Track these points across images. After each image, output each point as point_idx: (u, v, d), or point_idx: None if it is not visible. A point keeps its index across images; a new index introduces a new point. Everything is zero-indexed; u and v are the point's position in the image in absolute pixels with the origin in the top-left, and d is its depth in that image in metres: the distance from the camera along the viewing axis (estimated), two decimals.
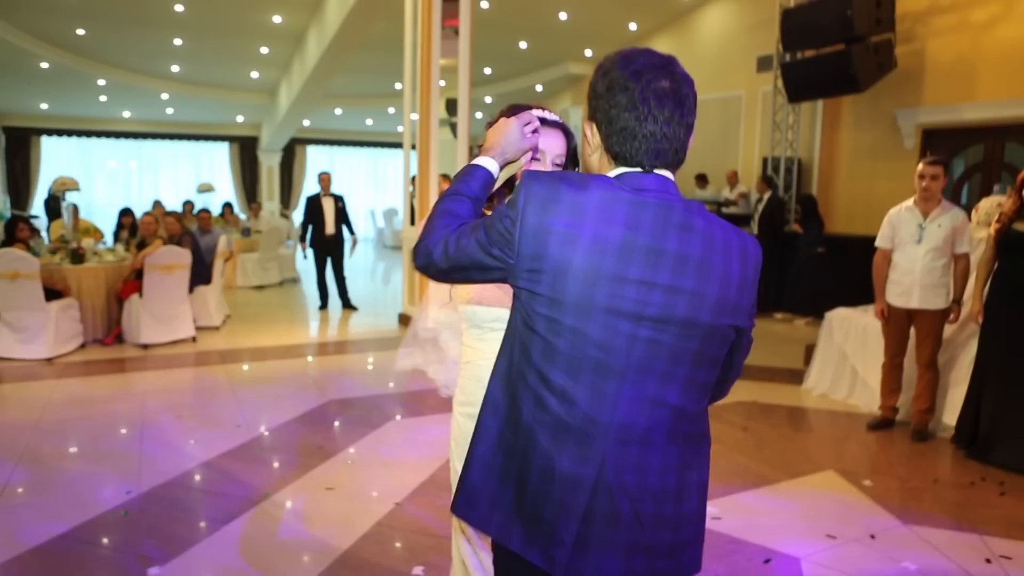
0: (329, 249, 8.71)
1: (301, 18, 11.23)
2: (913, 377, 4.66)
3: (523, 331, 1.26)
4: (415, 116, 7.52)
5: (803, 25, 8.46)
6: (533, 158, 1.68)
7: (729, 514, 3.38)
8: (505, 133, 1.49)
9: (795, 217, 9.03)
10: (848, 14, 7.79)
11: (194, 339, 6.97)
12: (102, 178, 17.73)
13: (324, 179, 8.82)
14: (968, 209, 5.53)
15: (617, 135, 1.24)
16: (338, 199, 8.80)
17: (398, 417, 4.87)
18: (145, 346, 6.59)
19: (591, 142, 1.32)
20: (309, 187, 18.89)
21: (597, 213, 1.19)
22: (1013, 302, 4.11)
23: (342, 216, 8.75)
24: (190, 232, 7.46)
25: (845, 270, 7.99)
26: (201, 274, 7.38)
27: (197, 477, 3.80)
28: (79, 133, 17.13)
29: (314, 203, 8.67)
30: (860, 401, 5.16)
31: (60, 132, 16.92)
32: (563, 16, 11.26)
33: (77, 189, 7.46)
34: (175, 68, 13.84)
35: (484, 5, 10.41)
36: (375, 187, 20.39)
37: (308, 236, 8.68)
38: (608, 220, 1.18)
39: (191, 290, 7.17)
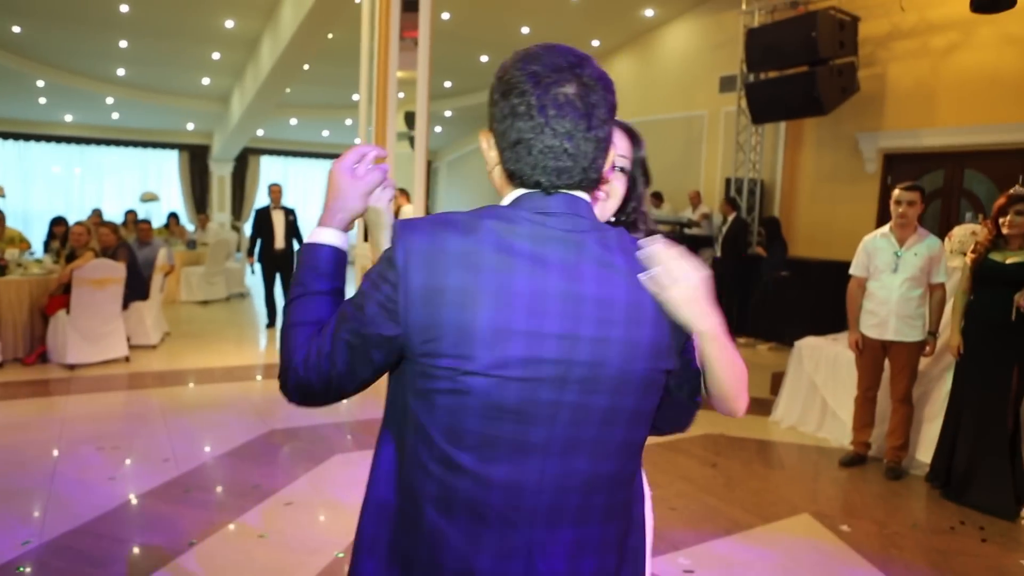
0: (278, 264, 8.33)
1: (255, 24, 10.80)
2: (886, 411, 4.48)
3: (419, 413, 1.00)
4: (370, 128, 7.19)
5: (767, 46, 8.40)
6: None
7: (703, 566, 3.11)
8: (334, 187, 1.16)
9: (758, 240, 8.92)
10: (812, 36, 7.74)
11: (127, 359, 6.48)
12: (41, 184, 16.87)
13: (275, 191, 8.43)
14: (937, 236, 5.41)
15: (511, 149, 1.01)
16: (289, 212, 8.44)
17: (344, 451, 4.50)
18: (72, 366, 6.08)
19: (488, 157, 1.06)
20: (262, 198, 18.30)
21: (495, 259, 0.96)
22: (988, 335, 3.94)
23: (293, 230, 8.40)
24: (126, 244, 6.98)
25: (808, 294, 7.88)
26: (137, 289, 6.90)
27: (112, 522, 3.38)
28: (16, 136, 16.27)
29: (263, 216, 8.29)
30: (830, 435, 4.97)
31: None
32: (525, 31, 11.06)
33: (2, 196, 6.89)
34: (121, 71, 13.23)
35: (445, 16, 10.14)
36: None
37: (256, 250, 8.27)
38: (509, 266, 0.96)
39: (126, 306, 6.68)
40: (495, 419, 0.98)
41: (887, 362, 4.38)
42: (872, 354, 4.37)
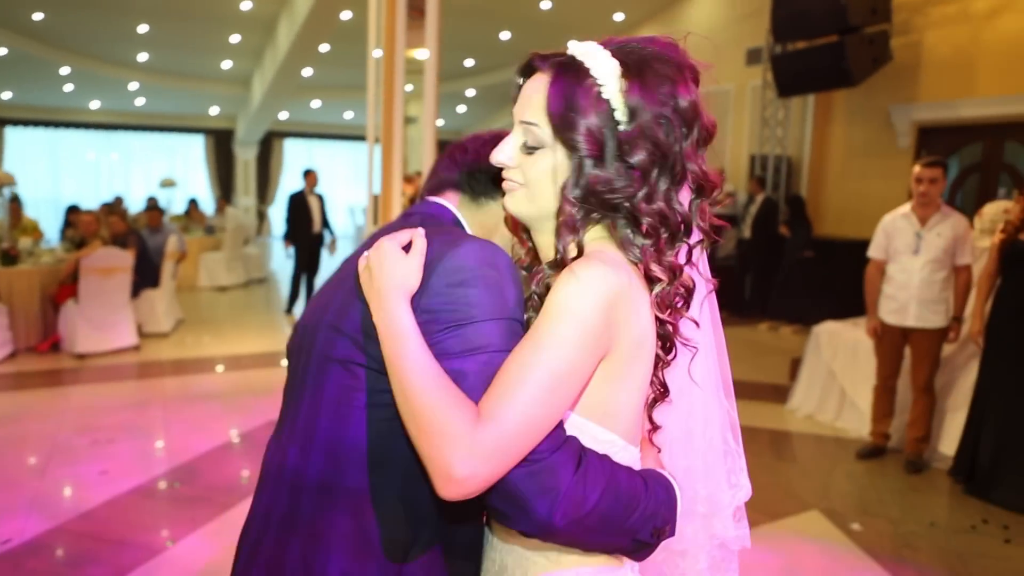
0: (313, 248, 8.41)
1: (270, 5, 10.71)
2: (907, 401, 4.23)
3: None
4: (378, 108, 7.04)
5: (795, 15, 8.00)
6: None
7: None
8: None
9: (783, 219, 8.58)
10: (842, 3, 7.34)
11: (137, 348, 6.48)
12: (71, 171, 17.11)
13: (311, 177, 8.48)
14: (968, 215, 5.09)
15: None
16: (319, 197, 8.51)
17: None
18: (81, 356, 6.10)
19: None
20: (287, 182, 18.34)
21: None
22: (1017, 322, 3.67)
23: (324, 215, 8.48)
24: (136, 232, 6.97)
25: (834, 276, 7.56)
26: (148, 276, 6.89)
27: (96, 520, 3.33)
28: (46, 123, 16.49)
29: (299, 201, 8.33)
30: (848, 424, 4.73)
31: (26, 122, 16.28)
32: (546, 5, 10.78)
33: (13, 184, 6.93)
34: (142, 57, 13.27)
35: None
36: (356, 182, 19.85)
37: (291, 234, 8.35)
38: None
39: (136, 294, 6.68)
40: None
41: (908, 350, 4.13)
42: (892, 341, 4.11)
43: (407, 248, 0.97)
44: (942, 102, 7.73)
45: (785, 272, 8.06)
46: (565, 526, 0.85)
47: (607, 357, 0.92)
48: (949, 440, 4.12)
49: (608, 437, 0.95)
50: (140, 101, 16.07)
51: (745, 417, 1.13)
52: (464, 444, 0.81)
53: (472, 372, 0.88)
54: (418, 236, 0.97)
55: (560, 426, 0.90)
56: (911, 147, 8.09)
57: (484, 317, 0.90)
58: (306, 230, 8.28)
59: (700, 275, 1.05)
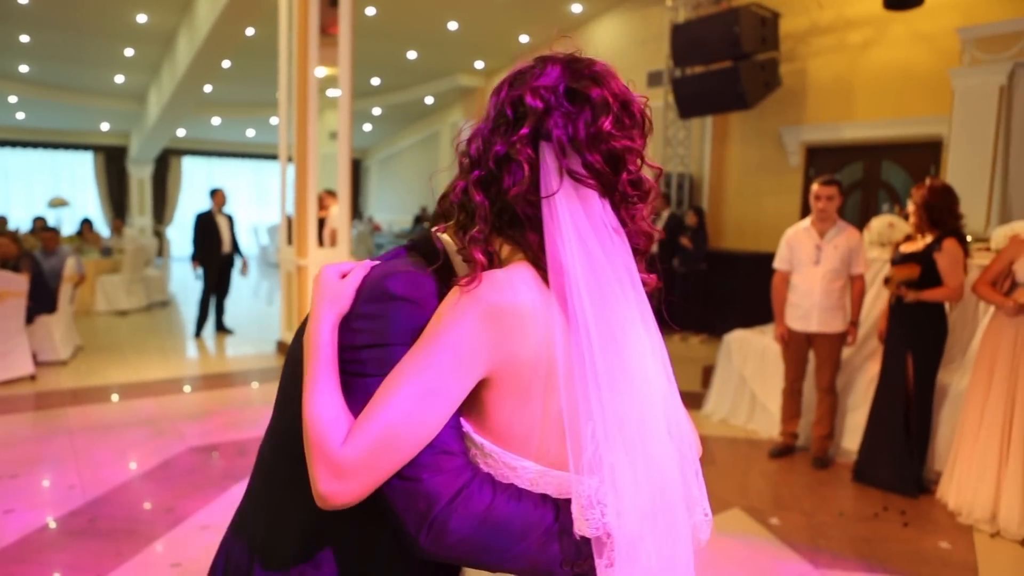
0: (224, 269, 8.23)
1: (169, 18, 10.33)
2: (811, 401, 4.55)
3: None
4: (291, 127, 6.93)
5: (692, 41, 8.47)
6: None
7: None
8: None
9: (688, 231, 8.89)
10: (735, 31, 7.84)
11: (33, 377, 6.08)
12: None
13: (219, 196, 8.31)
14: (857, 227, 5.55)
15: None
16: (228, 217, 8.36)
17: None
18: None
19: None
20: (186, 201, 17.62)
21: None
22: (890, 323, 4.10)
23: (232, 235, 8.34)
24: (29, 254, 6.55)
25: (736, 286, 8.00)
26: (43, 301, 6.48)
27: (6, 561, 3.12)
28: None
29: (208, 221, 8.15)
30: (760, 426, 5.03)
31: None
32: (452, 26, 10.92)
33: None
34: (24, 68, 12.49)
35: (370, 12, 9.90)
36: (258, 201, 19.30)
37: (199, 255, 8.12)
38: None
39: (31, 320, 6.27)
40: None
41: (812, 353, 4.45)
42: (797, 346, 4.43)
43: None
44: (826, 124, 8.36)
45: (685, 283, 8.41)
46: (432, 549, 0.90)
47: (496, 378, 0.93)
48: (850, 436, 4.46)
49: (519, 463, 0.94)
50: (20, 115, 15.08)
51: None
52: (327, 461, 0.88)
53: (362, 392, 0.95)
54: (359, 266, 1.03)
55: (456, 454, 0.93)
56: (801, 165, 8.69)
57: (399, 342, 0.94)
58: (215, 251, 8.11)
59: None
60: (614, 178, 0.97)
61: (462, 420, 0.96)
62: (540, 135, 0.96)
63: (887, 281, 3.98)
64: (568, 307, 0.92)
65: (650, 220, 1.03)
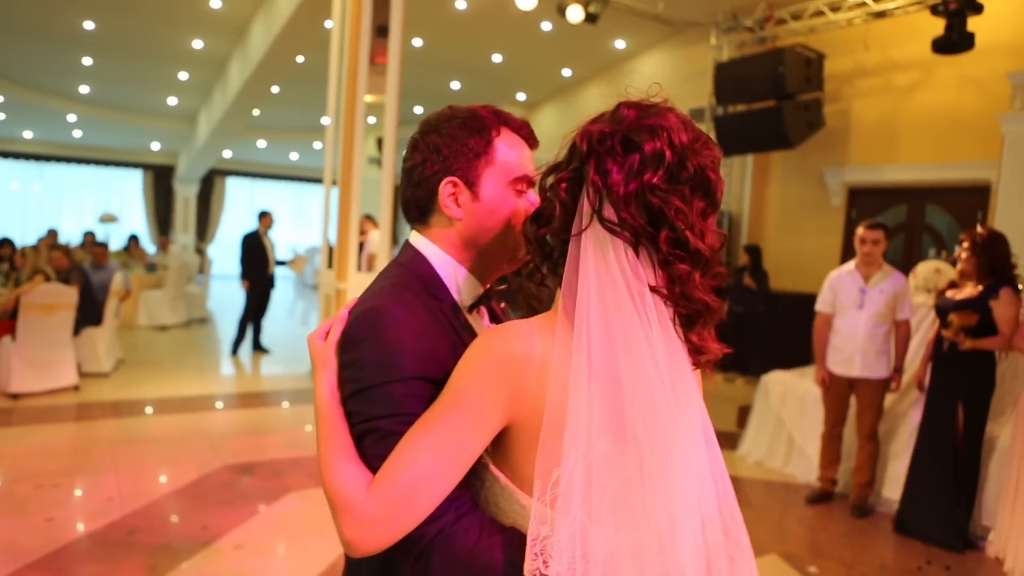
0: (266, 290, 8.50)
1: (223, 44, 10.67)
2: (852, 447, 4.45)
3: None
4: (337, 152, 7.08)
5: (735, 80, 8.48)
6: None
7: None
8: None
9: (745, 268, 8.66)
10: (780, 71, 7.84)
11: (76, 388, 6.22)
12: None
13: (267, 219, 8.63)
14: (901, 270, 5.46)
15: None
16: (270, 240, 8.68)
17: (300, 489, 4.32)
18: (15, 396, 5.82)
19: None
20: (228, 220, 18.00)
21: None
22: (936, 371, 3.99)
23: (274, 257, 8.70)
24: (80, 267, 6.75)
25: (775, 327, 7.89)
26: (90, 314, 6.66)
27: (44, 570, 3.17)
28: None
29: (255, 242, 8.43)
30: (797, 471, 4.92)
31: None
32: (497, 58, 11.09)
33: None
34: (84, 89, 12.97)
35: (417, 43, 10.12)
36: (297, 223, 19.65)
37: (247, 274, 8.39)
38: None
39: (78, 332, 6.44)
40: None
41: (853, 398, 4.36)
42: (838, 390, 4.35)
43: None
44: (869, 165, 8.28)
45: (738, 323, 8.25)
46: None
47: (515, 425, 0.94)
48: (891, 485, 4.34)
49: (529, 503, 0.94)
50: (77, 133, 15.62)
51: None
52: (350, 514, 0.92)
53: (367, 443, 0.98)
54: (337, 320, 1.06)
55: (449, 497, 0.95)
56: (843, 206, 8.59)
57: (377, 382, 0.97)
58: (262, 271, 8.34)
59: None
60: (653, 233, 0.92)
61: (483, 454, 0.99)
62: (581, 177, 0.97)
63: (947, 326, 3.87)
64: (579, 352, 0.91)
65: (709, 288, 0.95)
